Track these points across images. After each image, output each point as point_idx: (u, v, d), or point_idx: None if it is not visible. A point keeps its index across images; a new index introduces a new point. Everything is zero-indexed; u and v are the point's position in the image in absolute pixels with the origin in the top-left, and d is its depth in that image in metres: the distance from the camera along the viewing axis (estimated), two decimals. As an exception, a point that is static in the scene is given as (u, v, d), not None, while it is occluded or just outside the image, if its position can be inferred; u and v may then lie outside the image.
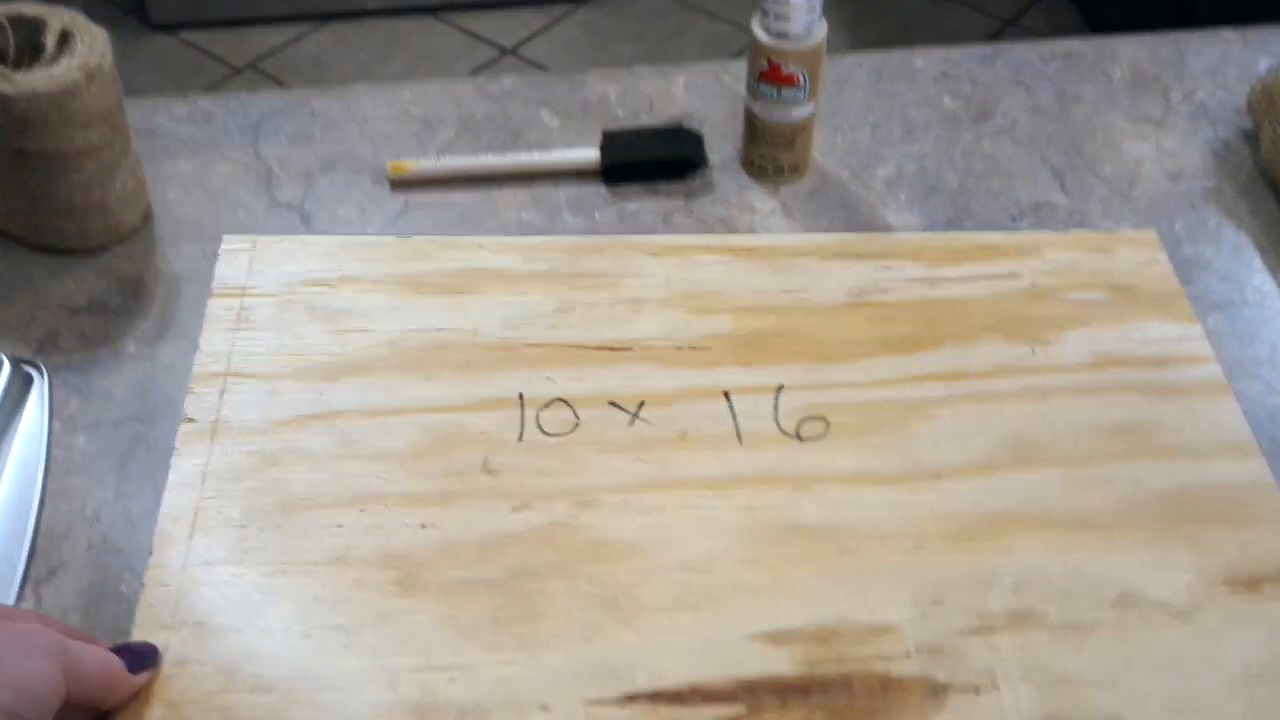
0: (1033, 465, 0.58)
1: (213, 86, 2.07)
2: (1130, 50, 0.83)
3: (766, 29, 0.67)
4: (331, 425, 0.59)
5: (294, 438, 0.59)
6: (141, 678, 0.49)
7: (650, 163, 0.74)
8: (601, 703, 0.50)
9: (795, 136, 0.71)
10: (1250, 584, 0.53)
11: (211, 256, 0.70)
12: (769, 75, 0.68)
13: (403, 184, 0.75)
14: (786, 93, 0.69)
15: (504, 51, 2.16)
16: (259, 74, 2.12)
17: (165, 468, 0.58)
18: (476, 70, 2.01)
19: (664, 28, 2.21)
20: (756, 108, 0.71)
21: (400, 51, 2.16)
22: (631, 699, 0.50)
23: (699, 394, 0.61)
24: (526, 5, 2.27)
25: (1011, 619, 0.52)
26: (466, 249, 0.68)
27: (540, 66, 2.09)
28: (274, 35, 2.22)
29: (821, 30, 0.68)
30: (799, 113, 0.70)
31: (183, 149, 0.78)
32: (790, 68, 0.68)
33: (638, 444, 0.59)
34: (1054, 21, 2.18)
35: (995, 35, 2.07)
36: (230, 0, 2.20)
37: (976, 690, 0.50)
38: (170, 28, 2.22)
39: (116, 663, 0.48)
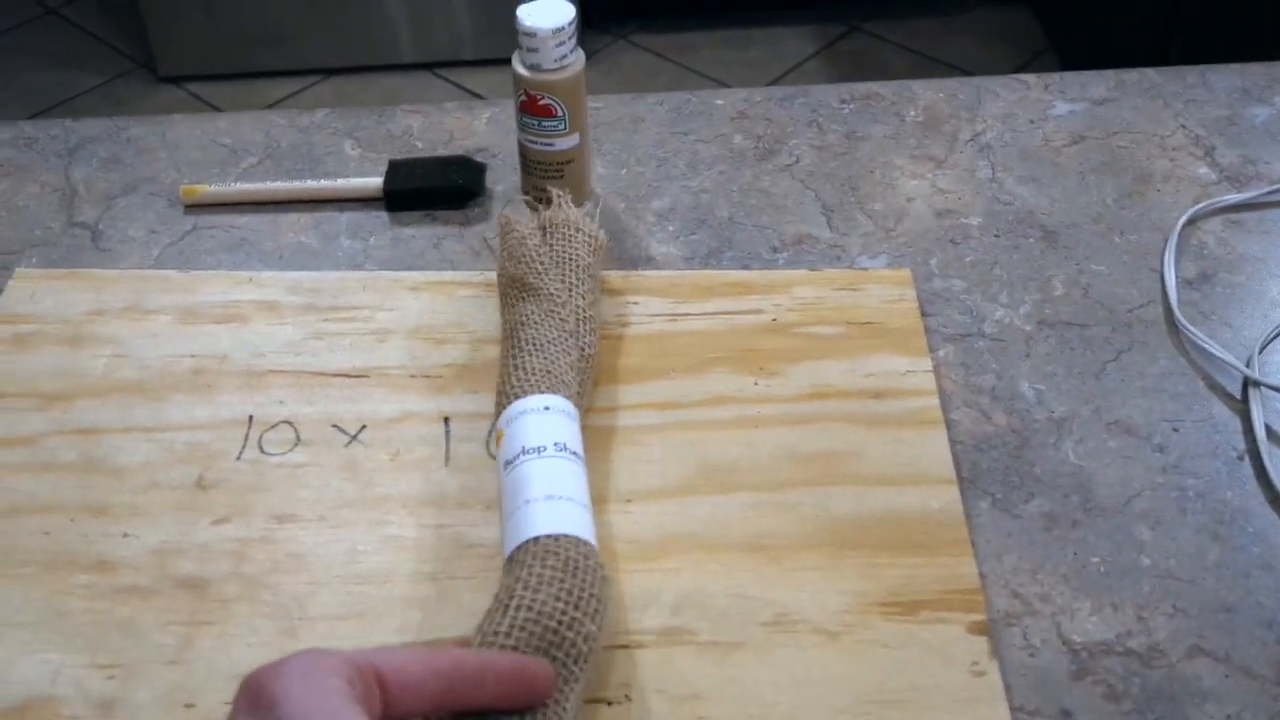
0: (724, 490, 0.59)
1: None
2: (929, 94, 0.84)
3: (522, 61, 0.69)
4: (67, 441, 0.62)
5: (28, 452, 0.62)
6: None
7: (428, 190, 0.76)
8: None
9: (563, 167, 0.73)
10: (909, 608, 0.54)
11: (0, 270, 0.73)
12: (527, 106, 0.70)
13: (196, 207, 0.77)
14: (546, 124, 0.71)
15: (498, 107, 2.20)
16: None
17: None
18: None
19: (654, 86, 2.24)
20: (523, 139, 0.72)
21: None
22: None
23: (420, 419, 0.63)
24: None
25: (661, 636, 0.53)
26: (237, 282, 0.71)
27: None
28: (278, 88, 2.27)
29: (576, 63, 0.69)
30: (562, 144, 0.72)
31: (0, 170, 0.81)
32: (546, 99, 0.69)
33: (349, 464, 0.61)
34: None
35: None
36: (236, 54, 2.26)
37: (608, 702, 0.50)
38: (177, 80, 2.29)
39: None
